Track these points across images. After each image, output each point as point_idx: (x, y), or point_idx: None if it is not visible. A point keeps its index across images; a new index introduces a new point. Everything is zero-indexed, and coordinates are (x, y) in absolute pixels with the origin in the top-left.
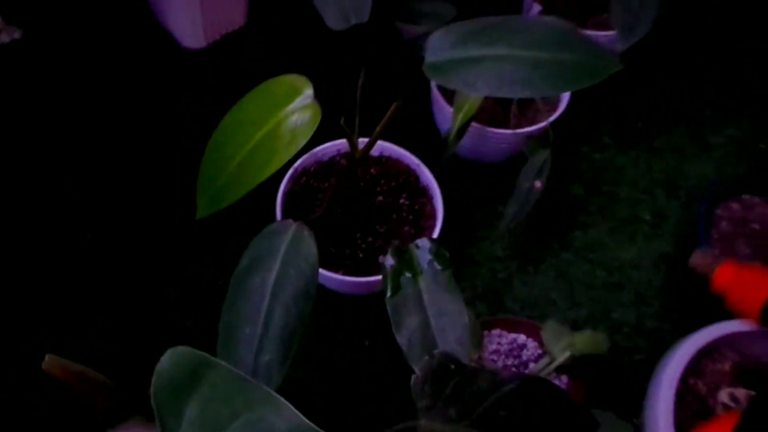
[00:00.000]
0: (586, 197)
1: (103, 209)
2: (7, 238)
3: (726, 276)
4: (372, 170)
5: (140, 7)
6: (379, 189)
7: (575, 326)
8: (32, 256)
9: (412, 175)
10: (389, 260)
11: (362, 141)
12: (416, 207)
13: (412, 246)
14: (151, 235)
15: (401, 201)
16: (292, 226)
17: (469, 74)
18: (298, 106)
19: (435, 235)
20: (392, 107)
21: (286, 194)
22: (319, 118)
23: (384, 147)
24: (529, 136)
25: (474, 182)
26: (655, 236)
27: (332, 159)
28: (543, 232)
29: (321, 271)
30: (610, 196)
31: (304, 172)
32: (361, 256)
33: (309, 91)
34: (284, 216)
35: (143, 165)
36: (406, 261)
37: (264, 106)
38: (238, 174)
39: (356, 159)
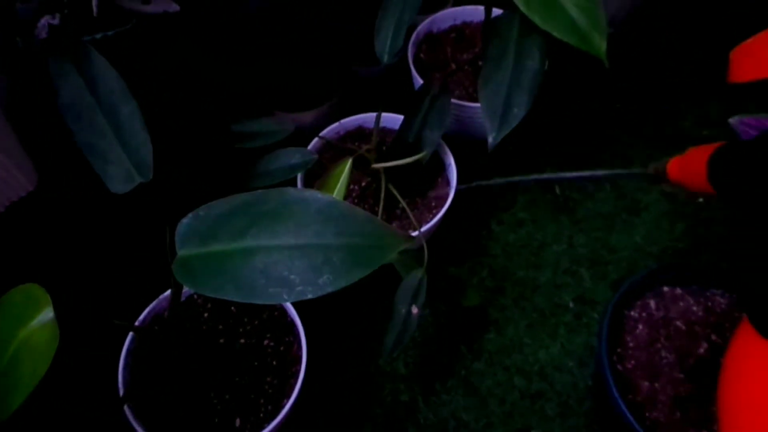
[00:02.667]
0: (499, 287)
1: None
2: None
3: (675, 167)
4: (232, 308)
5: None
6: (242, 329)
7: None
8: None
9: (277, 308)
10: None
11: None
12: (281, 349)
13: None
14: None
15: (266, 342)
16: None
17: (219, 277)
18: (38, 324)
19: (298, 385)
20: None
21: (130, 352)
22: (56, 340)
23: None
24: (404, 251)
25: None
26: (579, 327)
27: (192, 296)
28: (450, 336)
29: None
30: (526, 283)
31: (154, 320)
32: (216, 420)
33: (48, 308)
34: (128, 385)
35: None
36: None
37: (8, 321)
38: (1, 393)
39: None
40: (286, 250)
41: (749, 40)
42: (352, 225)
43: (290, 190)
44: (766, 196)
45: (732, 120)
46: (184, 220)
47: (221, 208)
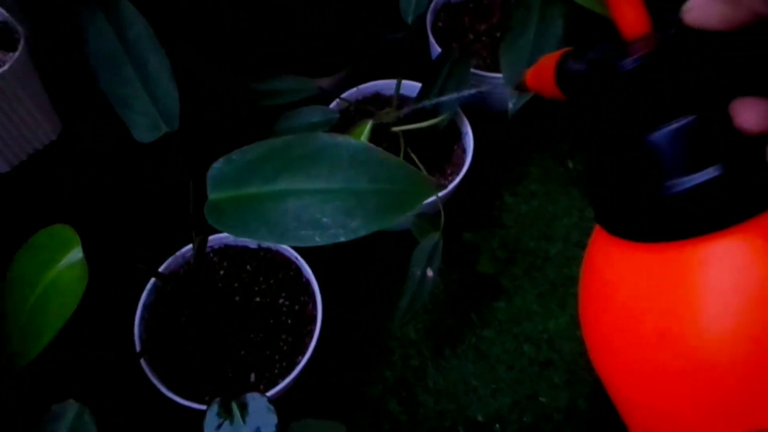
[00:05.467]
0: (511, 257)
1: None
2: None
3: (529, 74)
4: (248, 267)
5: None
6: (257, 288)
7: (498, 417)
8: None
9: (293, 269)
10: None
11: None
12: (296, 308)
13: (235, 405)
14: None
15: (281, 301)
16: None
17: (251, 219)
18: (66, 264)
19: (313, 343)
20: None
21: (146, 307)
22: (85, 280)
23: None
24: (418, 214)
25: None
26: None
27: (208, 255)
28: (461, 304)
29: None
30: (538, 254)
31: (170, 276)
32: (231, 375)
33: (77, 248)
34: (144, 339)
35: None
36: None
37: (36, 262)
38: (26, 335)
39: (199, 266)
40: (319, 193)
41: None
42: (384, 170)
43: (323, 135)
44: (595, 94)
45: None
46: (216, 165)
47: (254, 153)
